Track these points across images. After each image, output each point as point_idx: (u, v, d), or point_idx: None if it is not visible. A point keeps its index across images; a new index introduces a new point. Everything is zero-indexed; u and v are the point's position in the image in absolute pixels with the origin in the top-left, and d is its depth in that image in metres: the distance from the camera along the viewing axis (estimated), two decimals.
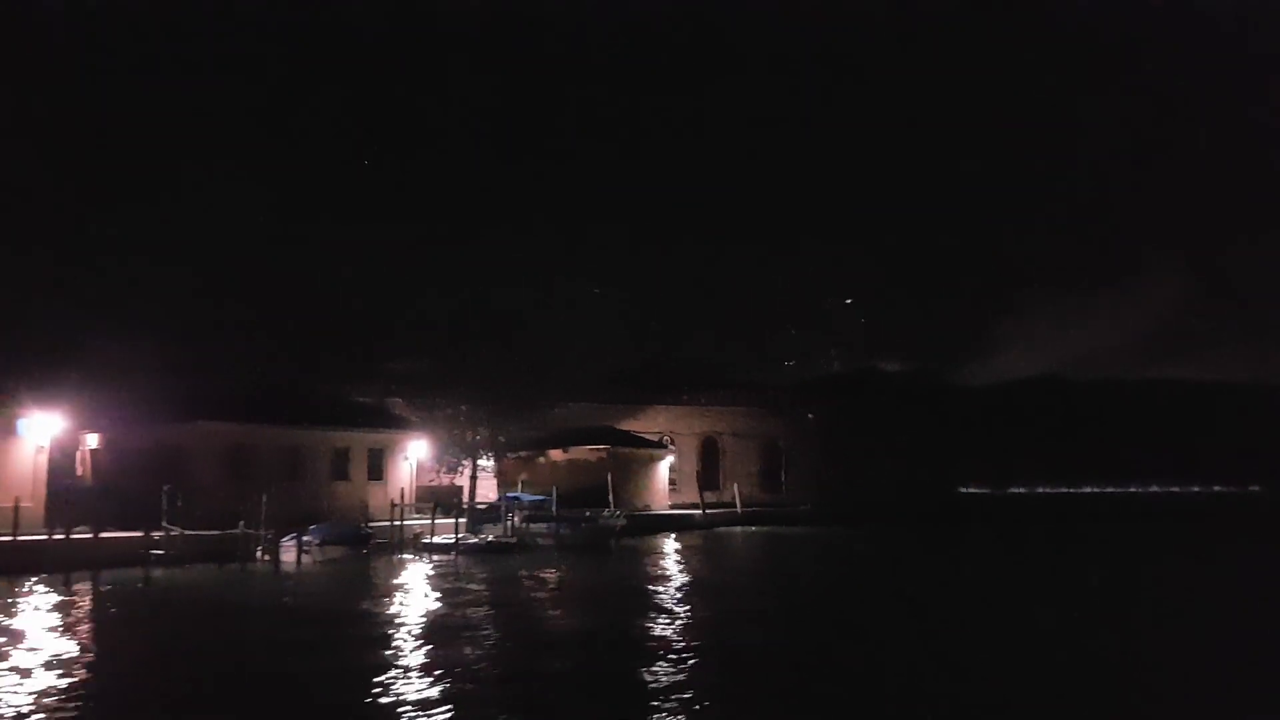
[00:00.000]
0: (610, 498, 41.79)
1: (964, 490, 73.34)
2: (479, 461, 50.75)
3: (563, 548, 38.44)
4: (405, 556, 35.87)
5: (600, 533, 40.02)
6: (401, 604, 25.19)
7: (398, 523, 37.64)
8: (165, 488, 32.10)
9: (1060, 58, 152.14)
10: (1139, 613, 25.16)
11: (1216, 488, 78.90)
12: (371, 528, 36.97)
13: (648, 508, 56.81)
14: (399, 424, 45.72)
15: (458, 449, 46.37)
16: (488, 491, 52.77)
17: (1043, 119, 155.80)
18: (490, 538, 38.33)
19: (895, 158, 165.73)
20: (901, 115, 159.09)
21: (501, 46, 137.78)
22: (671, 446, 67.12)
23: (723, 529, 55.94)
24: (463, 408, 45.60)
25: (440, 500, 41.11)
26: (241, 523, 31.94)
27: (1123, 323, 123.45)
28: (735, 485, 62.31)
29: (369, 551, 34.67)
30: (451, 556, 35.63)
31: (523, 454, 54.96)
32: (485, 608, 24.14)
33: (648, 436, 61.43)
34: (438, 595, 26.66)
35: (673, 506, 59.60)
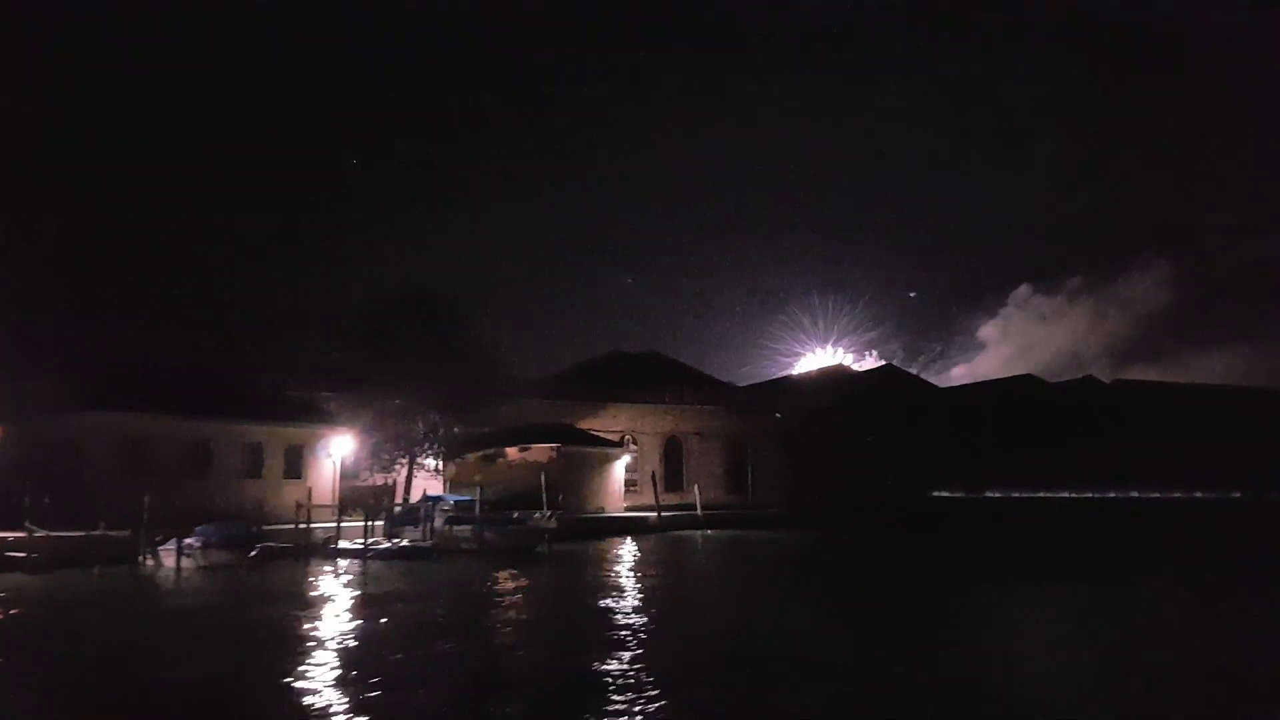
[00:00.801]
0: (544, 498, 38.34)
1: (937, 494, 70.41)
2: (424, 461, 47.50)
3: (487, 553, 35.01)
4: (305, 561, 32.49)
5: (529, 536, 36.54)
6: (269, 625, 21.80)
7: (305, 525, 34.29)
8: (28, 484, 28.71)
9: (1049, 59, 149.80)
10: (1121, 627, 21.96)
11: (1198, 494, 76.26)
12: (274, 529, 33.61)
13: (601, 510, 53.66)
14: (323, 418, 42.29)
15: (392, 445, 43.01)
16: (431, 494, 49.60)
17: (1029, 122, 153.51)
18: (406, 542, 34.94)
19: (878, 157, 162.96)
20: (889, 114, 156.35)
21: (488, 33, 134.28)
22: (634, 446, 64.17)
23: (680, 533, 52.71)
24: (396, 401, 42.20)
25: (360, 501, 37.77)
26: (103, 523, 28.58)
27: (1105, 326, 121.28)
28: (696, 487, 59.17)
29: (258, 555, 31.22)
30: (360, 562, 32.30)
31: (468, 456, 51.84)
32: (361, 635, 20.57)
33: (605, 435, 58.23)
34: (321, 611, 23.31)
35: (630, 509, 56.45)
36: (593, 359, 75.80)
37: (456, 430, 49.12)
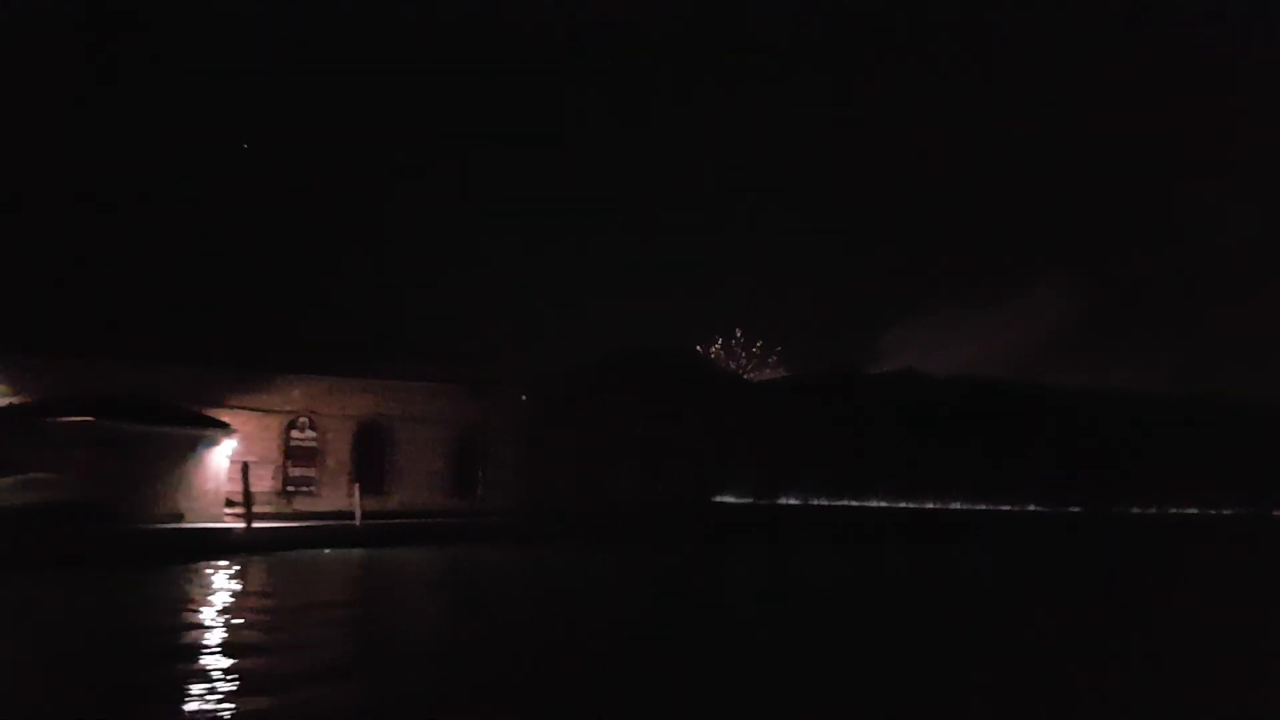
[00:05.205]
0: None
1: (719, 500, 56.29)
2: None
3: None
4: None
5: None
6: None
7: None
8: None
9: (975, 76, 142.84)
10: None
11: (1032, 506, 65.11)
12: None
13: (181, 517, 36.24)
14: None
15: None
16: None
17: (942, 135, 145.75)
18: None
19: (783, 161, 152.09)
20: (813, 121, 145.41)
21: None
22: (310, 431, 47.37)
23: (312, 552, 36.15)
24: None
25: None
26: None
27: (1013, 333, 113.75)
28: (357, 487, 42.57)
29: None
30: None
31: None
32: None
33: (210, 414, 40.69)
34: None
35: (258, 516, 39.13)
36: (277, 320, 57.86)
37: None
